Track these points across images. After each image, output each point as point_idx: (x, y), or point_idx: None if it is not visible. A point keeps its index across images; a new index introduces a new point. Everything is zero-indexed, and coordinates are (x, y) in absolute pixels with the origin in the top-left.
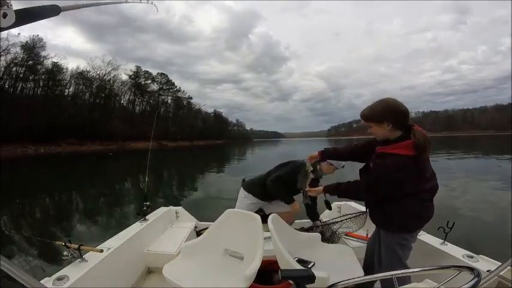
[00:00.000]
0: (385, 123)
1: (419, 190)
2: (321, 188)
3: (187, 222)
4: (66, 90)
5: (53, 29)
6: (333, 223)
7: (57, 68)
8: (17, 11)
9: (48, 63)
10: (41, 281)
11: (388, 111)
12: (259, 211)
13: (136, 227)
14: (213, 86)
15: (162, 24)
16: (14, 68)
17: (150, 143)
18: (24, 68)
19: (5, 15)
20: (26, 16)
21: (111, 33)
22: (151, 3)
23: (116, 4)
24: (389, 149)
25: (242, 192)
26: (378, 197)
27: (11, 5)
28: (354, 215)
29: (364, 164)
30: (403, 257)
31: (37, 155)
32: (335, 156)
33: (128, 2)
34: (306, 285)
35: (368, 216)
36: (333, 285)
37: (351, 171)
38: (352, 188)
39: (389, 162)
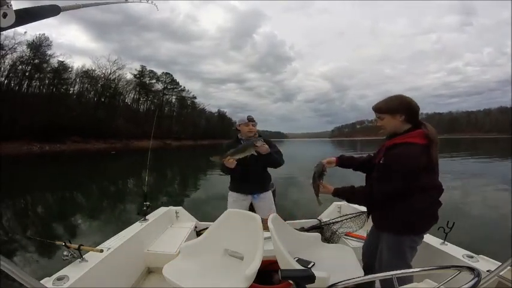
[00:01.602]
0: (398, 115)
1: (431, 186)
2: (331, 188)
3: (187, 222)
4: (71, 89)
5: (58, 27)
6: (333, 223)
7: (62, 67)
8: (17, 11)
9: (54, 61)
10: (41, 281)
11: (402, 104)
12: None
13: (136, 227)
14: (217, 85)
15: (167, 23)
16: (20, 67)
17: (150, 143)
18: (30, 67)
19: (5, 15)
20: (26, 16)
21: (115, 32)
22: (151, 2)
23: (119, 3)
24: (401, 139)
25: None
26: (391, 191)
27: (11, 5)
28: (354, 215)
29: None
30: (410, 260)
31: (42, 152)
32: (349, 163)
33: (128, 2)
34: (306, 285)
35: (370, 217)
36: (333, 285)
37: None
38: (361, 192)
39: (403, 150)
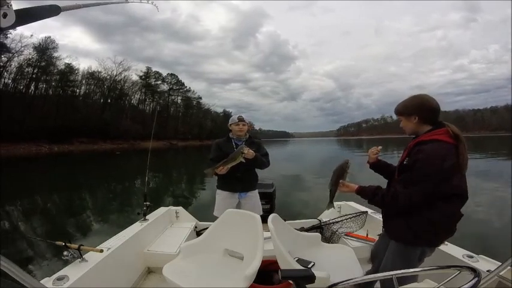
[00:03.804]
0: (413, 117)
1: (456, 193)
2: (354, 186)
3: (187, 222)
4: (78, 91)
5: (61, 29)
6: (333, 223)
7: (69, 69)
8: (17, 11)
9: (60, 63)
10: (41, 281)
11: (416, 105)
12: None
13: (136, 227)
14: (221, 85)
15: (169, 24)
16: (27, 69)
17: (150, 144)
18: (37, 69)
19: (5, 15)
20: (26, 16)
21: (118, 33)
22: (152, 3)
23: (121, 4)
24: (425, 137)
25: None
26: (416, 193)
27: (11, 5)
28: (354, 215)
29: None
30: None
31: (51, 153)
32: (384, 168)
33: (128, 2)
34: (306, 285)
35: (367, 217)
36: (333, 285)
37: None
38: (385, 193)
39: (429, 147)
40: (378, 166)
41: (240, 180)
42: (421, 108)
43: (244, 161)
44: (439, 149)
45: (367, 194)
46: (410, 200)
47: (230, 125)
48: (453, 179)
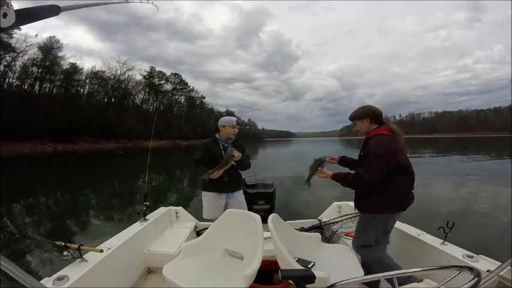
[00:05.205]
0: (365, 119)
1: (402, 169)
2: (330, 173)
3: (187, 222)
4: (81, 90)
5: (63, 28)
6: (333, 223)
7: (73, 69)
8: (17, 11)
9: (64, 63)
10: (41, 281)
11: (367, 111)
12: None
13: (136, 227)
14: (224, 85)
15: (172, 23)
16: (32, 69)
17: (150, 144)
18: (41, 69)
19: (5, 15)
20: (26, 16)
21: (121, 32)
22: (152, 2)
23: (123, 4)
24: (374, 132)
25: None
26: (372, 173)
27: (11, 5)
28: (354, 215)
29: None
30: (373, 237)
31: (55, 152)
32: (347, 163)
33: (129, 2)
34: (306, 285)
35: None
36: (333, 285)
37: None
38: (353, 175)
39: (374, 140)
40: (341, 163)
41: (228, 182)
42: (370, 113)
43: (235, 164)
44: (381, 139)
45: (340, 178)
46: (371, 176)
47: (224, 126)
48: (398, 159)
